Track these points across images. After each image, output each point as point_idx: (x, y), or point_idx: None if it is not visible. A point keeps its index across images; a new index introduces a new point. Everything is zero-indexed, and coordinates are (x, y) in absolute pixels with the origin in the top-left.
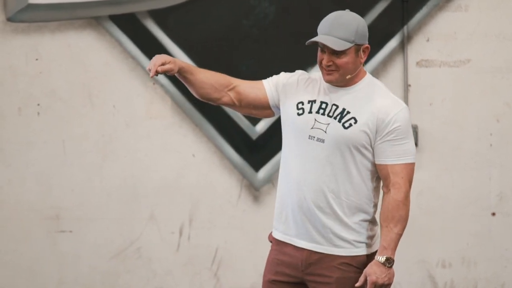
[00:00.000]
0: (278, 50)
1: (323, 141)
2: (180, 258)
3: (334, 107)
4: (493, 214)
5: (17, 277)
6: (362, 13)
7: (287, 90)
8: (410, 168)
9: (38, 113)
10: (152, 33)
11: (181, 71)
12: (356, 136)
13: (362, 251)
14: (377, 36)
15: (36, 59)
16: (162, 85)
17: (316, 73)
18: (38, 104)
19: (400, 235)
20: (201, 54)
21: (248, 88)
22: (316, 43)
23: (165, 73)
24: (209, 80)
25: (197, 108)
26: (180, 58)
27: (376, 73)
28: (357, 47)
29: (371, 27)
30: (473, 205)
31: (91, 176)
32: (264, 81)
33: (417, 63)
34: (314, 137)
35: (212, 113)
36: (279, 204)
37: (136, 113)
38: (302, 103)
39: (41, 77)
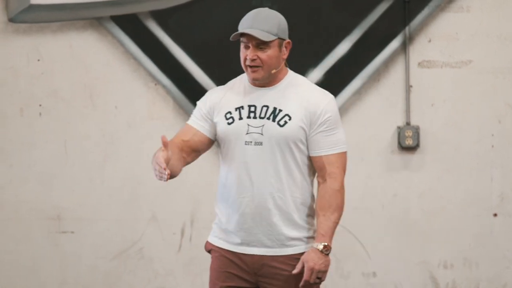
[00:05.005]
0: None
1: (261, 143)
2: (181, 258)
3: (265, 108)
4: (495, 215)
5: (18, 278)
6: (364, 14)
7: (213, 109)
8: (343, 157)
9: (40, 114)
10: (154, 34)
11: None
12: (294, 132)
13: (312, 246)
14: (379, 37)
15: (38, 60)
16: (164, 86)
17: (230, 82)
18: (40, 105)
19: (337, 223)
20: (203, 54)
21: (189, 141)
22: (238, 40)
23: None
24: (175, 156)
25: None
26: (182, 58)
27: (377, 74)
28: (280, 41)
29: (373, 28)
30: (475, 206)
31: (92, 177)
32: (192, 124)
33: (419, 63)
34: (251, 142)
35: None
36: (223, 216)
37: (138, 114)
38: (230, 112)
39: (43, 77)
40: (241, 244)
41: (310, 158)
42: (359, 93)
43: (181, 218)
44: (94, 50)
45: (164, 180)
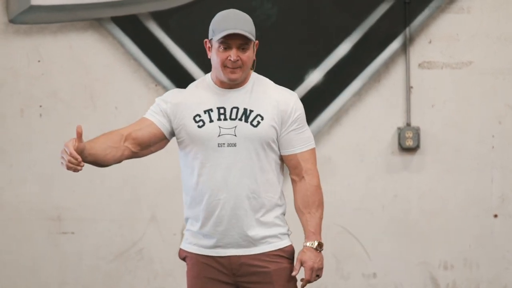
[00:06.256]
0: (280, 51)
1: (235, 145)
2: None
3: (235, 109)
4: (495, 216)
5: (18, 278)
6: (364, 14)
7: (175, 110)
8: (315, 153)
9: (40, 115)
10: (154, 35)
11: (85, 149)
12: (267, 132)
13: (287, 242)
14: (379, 38)
15: (38, 61)
16: (164, 87)
17: (191, 85)
18: (40, 106)
19: (322, 219)
20: (203, 55)
21: (140, 130)
22: (226, 39)
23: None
24: (106, 143)
25: None
26: (182, 59)
27: (378, 74)
28: (253, 42)
29: (373, 29)
30: (475, 207)
31: (92, 177)
32: (148, 116)
33: (419, 64)
34: (224, 143)
35: None
36: (196, 221)
37: (138, 115)
38: (199, 115)
39: (43, 78)
40: (217, 247)
41: (281, 157)
42: (359, 94)
43: (181, 218)
44: (94, 51)
45: (74, 171)
